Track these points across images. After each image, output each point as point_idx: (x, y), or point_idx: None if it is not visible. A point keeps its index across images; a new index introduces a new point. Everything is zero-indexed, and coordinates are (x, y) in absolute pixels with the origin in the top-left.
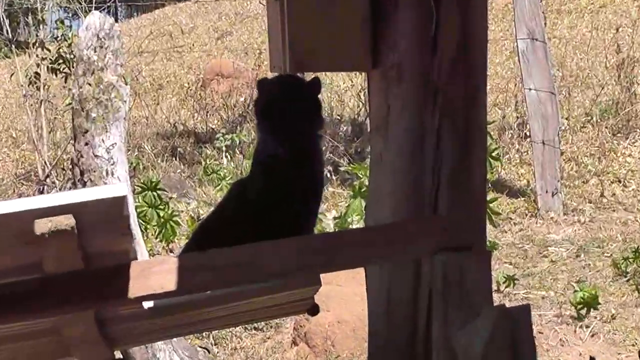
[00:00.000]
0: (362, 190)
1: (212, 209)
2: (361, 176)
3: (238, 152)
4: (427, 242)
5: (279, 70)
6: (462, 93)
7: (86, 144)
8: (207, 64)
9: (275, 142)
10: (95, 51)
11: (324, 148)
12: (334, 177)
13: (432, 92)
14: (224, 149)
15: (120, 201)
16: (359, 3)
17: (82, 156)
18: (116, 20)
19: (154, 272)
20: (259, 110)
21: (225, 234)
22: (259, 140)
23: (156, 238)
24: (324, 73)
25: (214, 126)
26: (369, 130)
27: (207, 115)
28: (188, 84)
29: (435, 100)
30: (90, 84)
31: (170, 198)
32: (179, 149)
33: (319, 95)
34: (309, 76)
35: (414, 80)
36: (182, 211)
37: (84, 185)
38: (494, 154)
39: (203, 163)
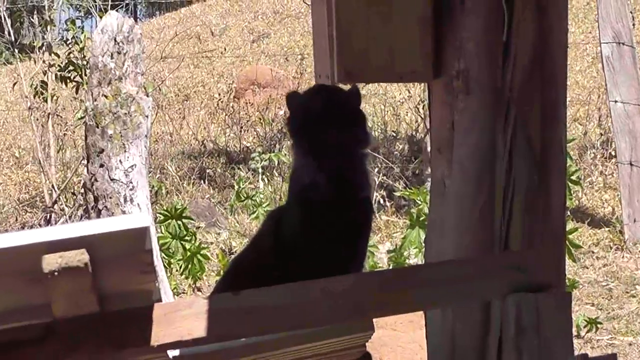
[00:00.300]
0: (421, 219)
1: (246, 240)
2: (420, 202)
3: (276, 174)
4: (498, 281)
5: (326, 79)
6: (539, 107)
7: (101, 165)
8: (241, 71)
9: (312, 167)
10: (112, 57)
11: (376, 170)
12: (387, 204)
13: (504, 106)
14: (260, 170)
15: (142, 233)
16: (419, 1)
17: (96, 180)
18: (136, 21)
19: (180, 316)
20: (291, 129)
21: (263, 272)
22: (294, 165)
23: (181, 274)
24: (378, 84)
25: (248, 144)
26: (429, 149)
27: (240, 132)
28: (219, 94)
29: (508, 116)
30: (106, 96)
31: (198, 228)
32: (208, 171)
33: (360, 107)
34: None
35: (483, 92)
36: (212, 243)
37: (99, 213)
38: (573, 177)
39: (236, 187)
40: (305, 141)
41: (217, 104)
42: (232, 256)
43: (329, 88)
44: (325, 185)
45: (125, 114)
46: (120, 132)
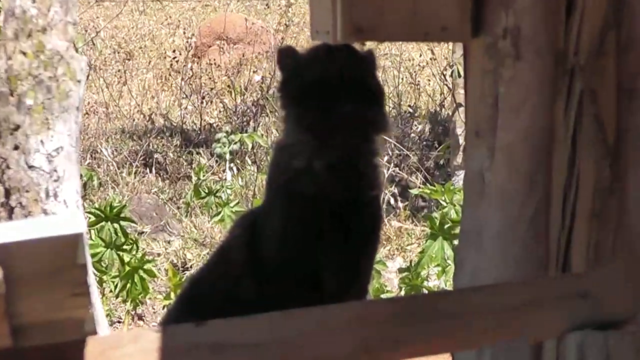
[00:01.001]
0: (447, 226)
1: (207, 252)
2: (445, 204)
3: (250, 162)
4: (554, 313)
5: (325, 36)
6: (613, 79)
7: (15, 147)
8: (204, 20)
9: (310, 147)
10: (33, 1)
11: (385, 158)
12: (400, 205)
13: (567, 77)
14: (227, 156)
15: (73, 243)
16: None
17: (8, 166)
18: None
19: (122, 355)
20: (288, 94)
21: (233, 296)
22: (283, 141)
23: (117, 297)
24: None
25: (212, 120)
26: (459, 132)
27: (202, 103)
28: (173, 51)
29: (571, 90)
30: (24, 53)
31: (141, 234)
32: (156, 156)
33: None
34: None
35: (539, 58)
36: (159, 255)
37: (11, 212)
38: None
39: (194, 178)
40: (305, 112)
41: (171, 65)
42: (187, 273)
43: (341, 48)
44: (325, 175)
45: (51, 77)
46: (42, 103)
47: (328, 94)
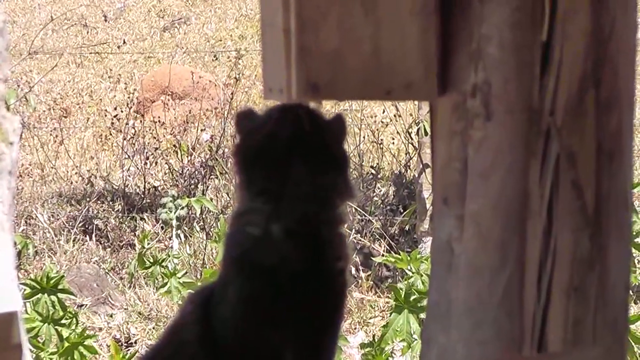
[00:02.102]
0: (413, 298)
1: (152, 326)
2: (411, 273)
3: (198, 229)
4: None
5: (278, 95)
6: (593, 140)
7: None
8: (147, 73)
9: (264, 213)
10: None
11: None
12: (362, 274)
13: (543, 139)
14: (174, 223)
15: (7, 322)
16: None
17: None
18: None
19: None
20: (240, 158)
21: None
22: (236, 211)
23: None
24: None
25: (157, 183)
26: (425, 195)
27: (145, 164)
28: (114, 108)
29: (547, 153)
30: None
31: (81, 307)
32: (96, 222)
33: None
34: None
35: (512, 118)
36: (101, 329)
37: None
38: None
39: (138, 247)
40: (256, 177)
41: (111, 123)
42: (131, 349)
43: (304, 110)
44: (284, 241)
45: None
46: None
47: (280, 158)
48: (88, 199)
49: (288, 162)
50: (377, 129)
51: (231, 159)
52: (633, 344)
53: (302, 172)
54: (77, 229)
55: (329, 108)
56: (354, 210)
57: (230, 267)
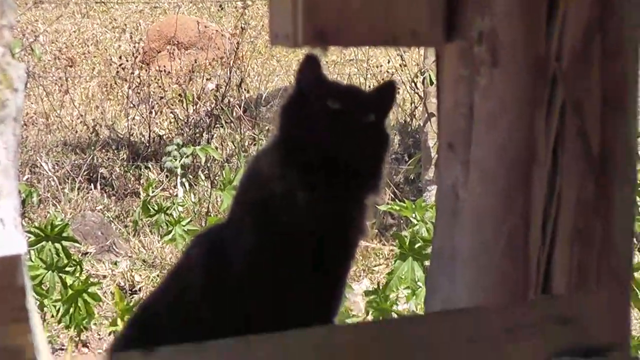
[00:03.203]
0: (418, 245)
1: (156, 274)
2: (416, 222)
3: (203, 178)
4: (534, 341)
5: (285, 40)
6: (599, 87)
7: None
8: (153, 23)
9: (292, 178)
10: None
11: None
12: (367, 222)
13: (548, 85)
14: (179, 171)
15: (12, 264)
16: None
17: None
18: None
19: None
20: (289, 120)
21: (187, 322)
22: (262, 158)
23: (59, 322)
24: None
25: (162, 132)
26: (431, 144)
27: (151, 113)
28: (119, 57)
29: (553, 100)
30: None
31: (85, 254)
32: (101, 170)
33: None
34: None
35: (518, 64)
36: (105, 277)
37: None
38: None
39: (142, 195)
40: (300, 150)
41: (116, 72)
42: (135, 296)
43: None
44: (306, 209)
45: None
46: None
47: (324, 149)
48: (93, 148)
49: (329, 152)
50: (383, 79)
51: (278, 110)
52: (638, 291)
53: (338, 165)
54: (81, 177)
55: (335, 58)
56: None
57: (247, 211)
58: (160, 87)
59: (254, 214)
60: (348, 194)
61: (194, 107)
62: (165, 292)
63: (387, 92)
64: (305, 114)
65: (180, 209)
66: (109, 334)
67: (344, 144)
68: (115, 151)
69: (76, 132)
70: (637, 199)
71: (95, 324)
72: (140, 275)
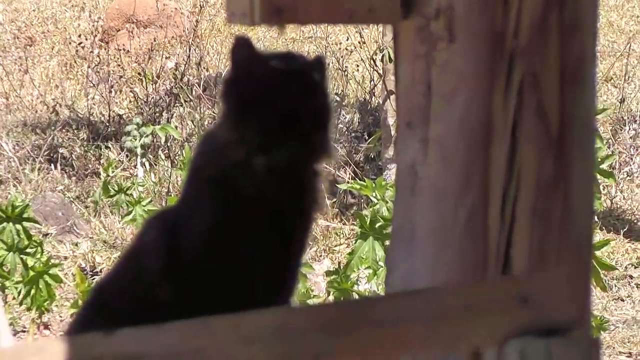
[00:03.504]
0: (378, 225)
1: (118, 255)
2: (376, 200)
3: (163, 157)
4: (493, 319)
5: (242, 18)
6: (556, 62)
7: None
8: (112, 2)
9: (250, 143)
10: None
11: None
12: (327, 201)
13: (506, 61)
14: (139, 151)
15: None
16: None
17: None
18: None
19: None
20: (235, 91)
21: (144, 303)
22: (216, 132)
23: (20, 304)
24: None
25: (122, 111)
26: (390, 122)
27: (110, 93)
28: (78, 36)
29: (511, 76)
30: None
31: (46, 235)
32: (61, 151)
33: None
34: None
35: (475, 40)
36: (66, 258)
37: None
38: (605, 167)
39: (102, 175)
40: (252, 111)
41: (76, 51)
42: (96, 278)
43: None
44: (265, 176)
45: None
46: None
47: (279, 104)
48: (53, 128)
49: (285, 110)
50: (342, 57)
51: (222, 85)
52: (599, 269)
53: (294, 122)
54: (42, 157)
55: (293, 36)
56: None
57: (202, 188)
58: (119, 65)
59: (212, 188)
60: (303, 155)
61: (154, 86)
62: (121, 274)
63: (321, 60)
64: (255, 78)
65: (141, 189)
66: (71, 315)
67: (297, 99)
68: (75, 131)
69: (36, 112)
70: (597, 176)
71: (56, 305)
72: (101, 257)
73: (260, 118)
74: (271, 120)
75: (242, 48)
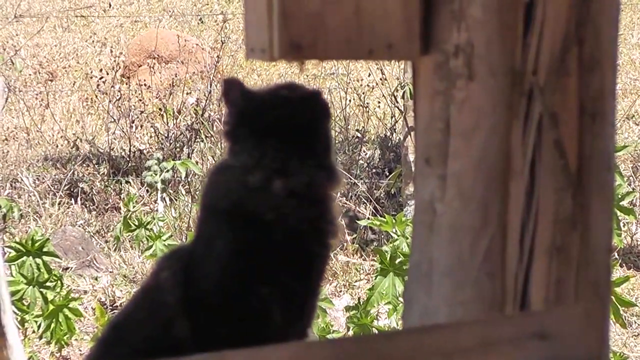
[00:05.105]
0: (398, 261)
1: (137, 289)
2: (396, 236)
3: (183, 192)
4: (511, 356)
5: (260, 54)
6: (575, 100)
7: None
8: (133, 37)
9: (268, 167)
10: None
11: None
12: (347, 237)
13: (525, 99)
14: (159, 186)
15: None
16: None
17: None
18: None
19: None
20: (239, 124)
21: (161, 339)
22: (229, 163)
23: (40, 337)
24: (337, 61)
25: (143, 147)
26: (411, 159)
27: (131, 128)
28: (100, 71)
29: (529, 113)
30: None
31: (66, 269)
32: (81, 185)
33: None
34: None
35: (494, 77)
36: (86, 292)
37: None
38: (625, 203)
39: (123, 210)
40: (266, 145)
41: (97, 86)
42: (116, 312)
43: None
44: (284, 198)
45: None
46: None
47: (295, 132)
48: (73, 163)
49: (300, 134)
50: (363, 93)
51: (222, 123)
52: (619, 306)
53: (310, 145)
54: (62, 192)
55: (315, 72)
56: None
57: (217, 220)
58: (140, 101)
59: (230, 218)
60: (320, 178)
61: (174, 122)
62: (136, 311)
63: (317, 91)
64: (267, 106)
65: (161, 223)
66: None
67: (311, 123)
68: (96, 165)
69: (57, 146)
70: (616, 212)
71: (76, 339)
72: (121, 291)
73: (276, 143)
74: (288, 144)
75: (234, 88)
